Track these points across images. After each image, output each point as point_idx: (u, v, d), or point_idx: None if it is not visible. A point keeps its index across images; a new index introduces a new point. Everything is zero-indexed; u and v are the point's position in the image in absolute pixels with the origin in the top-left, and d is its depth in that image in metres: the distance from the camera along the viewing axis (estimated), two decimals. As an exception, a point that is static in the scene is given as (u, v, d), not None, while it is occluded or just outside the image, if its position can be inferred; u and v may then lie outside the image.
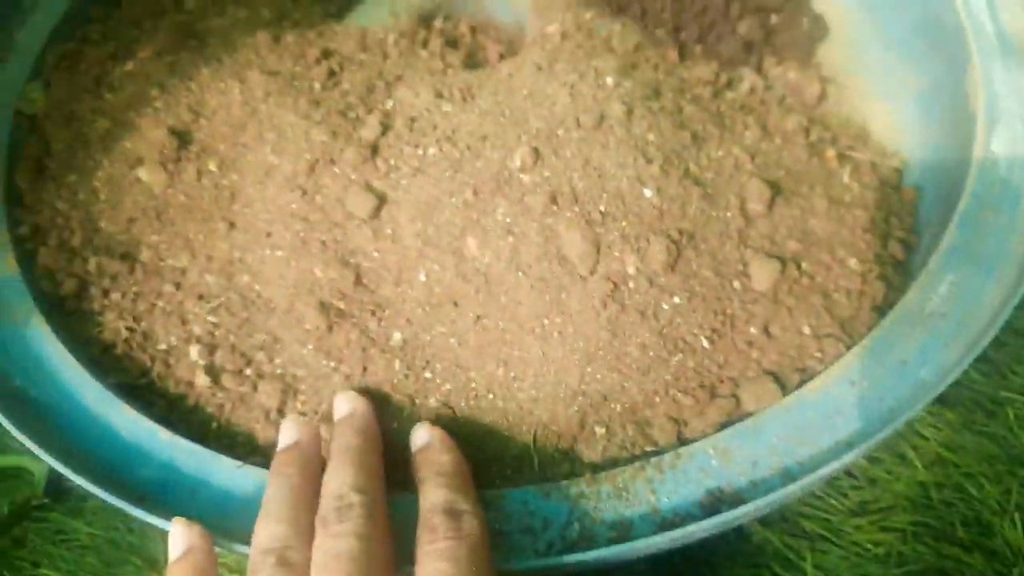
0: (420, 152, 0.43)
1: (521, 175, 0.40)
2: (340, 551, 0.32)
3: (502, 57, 0.54)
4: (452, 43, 0.53)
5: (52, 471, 0.57)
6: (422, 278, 0.40)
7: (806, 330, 0.40)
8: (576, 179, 0.40)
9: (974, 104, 0.47)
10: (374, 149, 0.43)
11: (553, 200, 0.39)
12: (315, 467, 0.36)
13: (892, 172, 0.49)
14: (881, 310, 0.42)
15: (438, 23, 0.55)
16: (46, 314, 0.44)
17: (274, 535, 0.33)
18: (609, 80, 0.45)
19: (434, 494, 0.34)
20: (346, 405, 0.38)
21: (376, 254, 0.41)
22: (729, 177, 0.43)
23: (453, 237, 0.40)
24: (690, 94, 0.48)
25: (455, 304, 0.40)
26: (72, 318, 0.45)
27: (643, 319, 0.38)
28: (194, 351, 0.43)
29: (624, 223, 0.39)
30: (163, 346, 0.43)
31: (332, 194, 0.42)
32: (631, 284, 0.39)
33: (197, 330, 0.43)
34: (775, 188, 0.42)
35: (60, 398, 0.41)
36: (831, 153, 0.48)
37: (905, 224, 0.46)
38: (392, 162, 0.43)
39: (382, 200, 0.41)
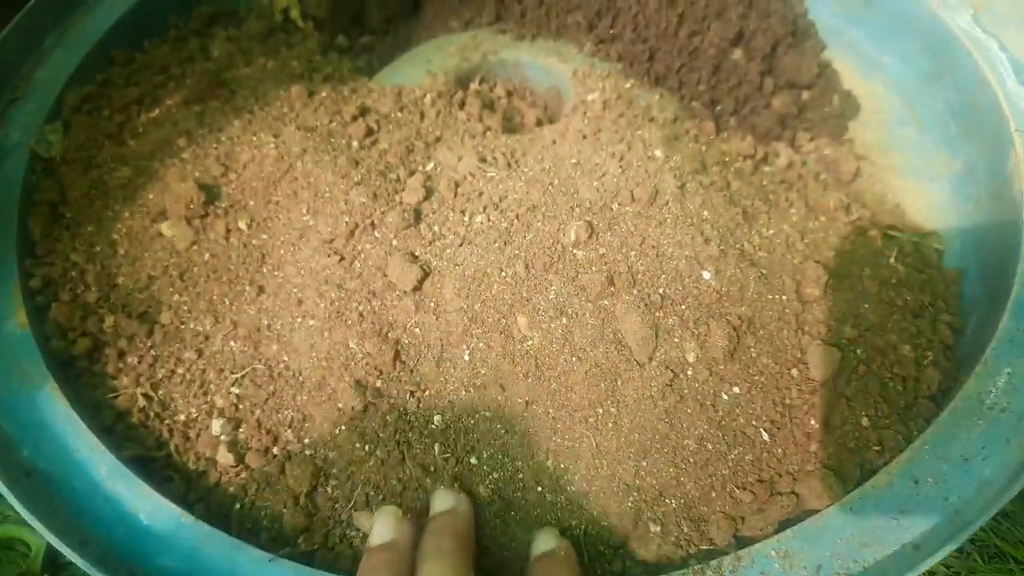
0: (466, 219, 0.41)
1: (575, 251, 0.39)
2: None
3: (539, 123, 0.53)
4: (488, 105, 0.52)
5: (50, 544, 0.53)
6: (466, 357, 0.38)
7: (864, 421, 0.38)
8: (634, 258, 0.39)
9: (1018, 187, 0.47)
10: (417, 214, 0.42)
11: (610, 280, 0.38)
12: (408, 570, 0.33)
13: (932, 252, 0.48)
14: (935, 399, 0.40)
15: (475, 85, 0.54)
16: (57, 376, 0.41)
17: None
18: (658, 152, 0.44)
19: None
20: (449, 500, 0.36)
21: (417, 329, 0.39)
22: (782, 257, 0.41)
23: (501, 315, 0.38)
24: (733, 168, 0.48)
25: (502, 387, 0.38)
26: (83, 380, 0.43)
27: (702, 410, 0.37)
28: (216, 425, 0.40)
29: (683, 307, 0.38)
30: (182, 417, 0.41)
31: (372, 261, 0.40)
32: (690, 372, 0.37)
33: (220, 402, 0.41)
34: (828, 270, 0.41)
35: (71, 472, 0.38)
36: (874, 233, 0.47)
37: (951, 307, 0.45)
38: (436, 229, 0.41)
39: (426, 271, 0.39)
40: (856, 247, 0.45)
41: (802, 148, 0.55)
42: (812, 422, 0.38)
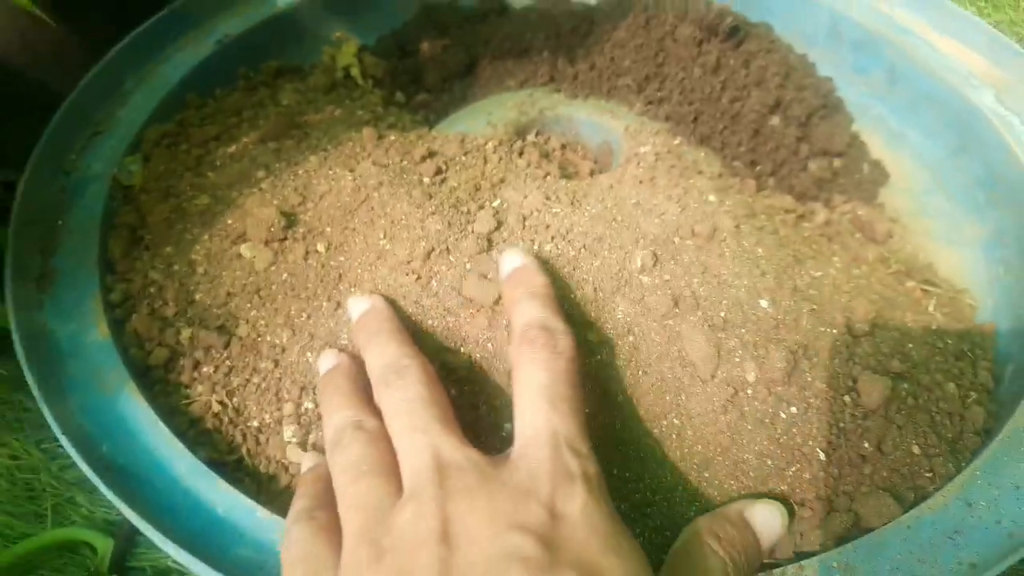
0: (536, 248, 0.44)
1: (641, 276, 0.41)
2: (409, 396, 0.34)
3: (592, 173, 0.56)
4: (545, 155, 0.56)
5: (117, 547, 0.54)
6: (537, 371, 0.40)
7: (915, 449, 0.40)
8: (696, 285, 0.41)
9: (1045, 248, 0.50)
10: (489, 242, 0.44)
11: (675, 303, 0.40)
12: (361, 379, 0.38)
13: (967, 307, 0.51)
14: (980, 435, 0.42)
15: (531, 137, 0.58)
16: (135, 382, 0.43)
17: (341, 418, 0.36)
18: (712, 198, 0.47)
19: (530, 311, 0.37)
20: (363, 303, 0.42)
21: (490, 344, 0.41)
22: (831, 296, 0.44)
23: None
24: (778, 219, 0.51)
25: (571, 398, 0.39)
26: (158, 388, 0.44)
27: (762, 426, 0.39)
28: (288, 430, 0.42)
29: (743, 330, 0.40)
30: (255, 423, 0.42)
31: (448, 282, 0.43)
32: (750, 391, 0.39)
33: (291, 409, 0.42)
34: (875, 309, 0.44)
35: (150, 468, 0.40)
36: (912, 284, 0.50)
37: (988, 355, 0.47)
38: (508, 256, 0.44)
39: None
40: (897, 295, 0.48)
41: (837, 209, 0.58)
42: (866, 445, 0.39)
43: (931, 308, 0.48)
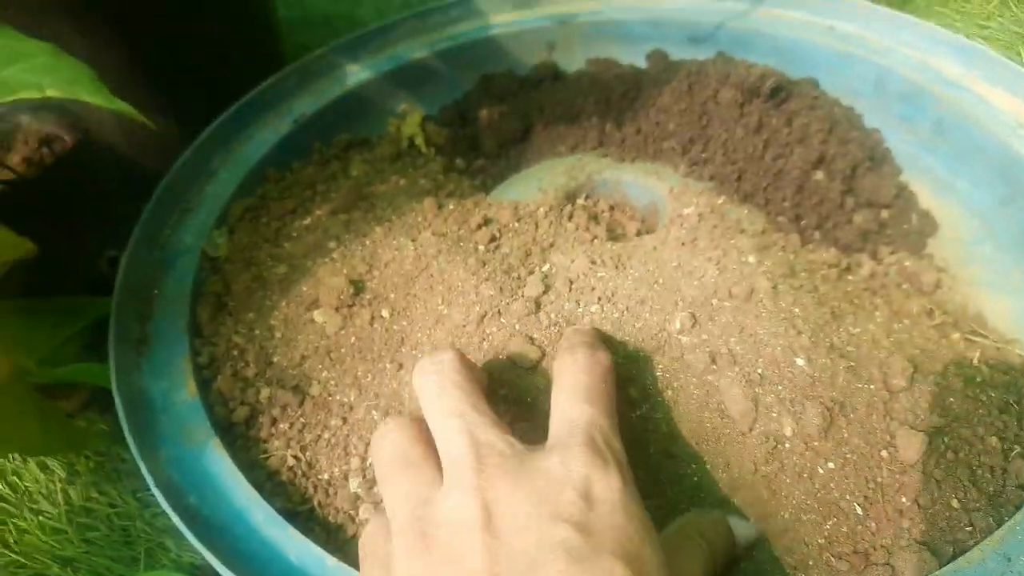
0: (581, 310, 0.47)
1: (680, 337, 0.44)
2: (443, 382, 0.36)
3: (639, 233, 0.59)
4: (593, 218, 0.59)
5: None
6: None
7: (955, 503, 0.41)
8: (733, 343, 0.43)
9: (1096, 299, 0.50)
10: (537, 304, 0.48)
11: (713, 360, 0.43)
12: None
13: (1015, 357, 0.51)
14: (1023, 488, 0.43)
15: (581, 200, 0.61)
16: (219, 437, 0.48)
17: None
18: (751, 259, 0.49)
19: (576, 337, 0.41)
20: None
21: (533, 401, 0.44)
22: (869, 352, 0.45)
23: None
24: (820, 275, 0.52)
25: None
26: (239, 443, 0.49)
27: (800, 480, 0.40)
28: (354, 483, 0.45)
29: (780, 387, 0.42)
30: (325, 476, 0.46)
31: (498, 342, 0.46)
32: (787, 445, 0.41)
33: (358, 464, 0.46)
34: (914, 365, 0.45)
35: (232, 518, 0.44)
36: (957, 336, 0.50)
37: (1036, 408, 0.47)
38: (553, 316, 0.47)
39: (543, 351, 0.45)
40: (939, 348, 0.49)
41: (884, 260, 0.59)
42: (903, 499, 0.40)
43: (976, 360, 0.49)
